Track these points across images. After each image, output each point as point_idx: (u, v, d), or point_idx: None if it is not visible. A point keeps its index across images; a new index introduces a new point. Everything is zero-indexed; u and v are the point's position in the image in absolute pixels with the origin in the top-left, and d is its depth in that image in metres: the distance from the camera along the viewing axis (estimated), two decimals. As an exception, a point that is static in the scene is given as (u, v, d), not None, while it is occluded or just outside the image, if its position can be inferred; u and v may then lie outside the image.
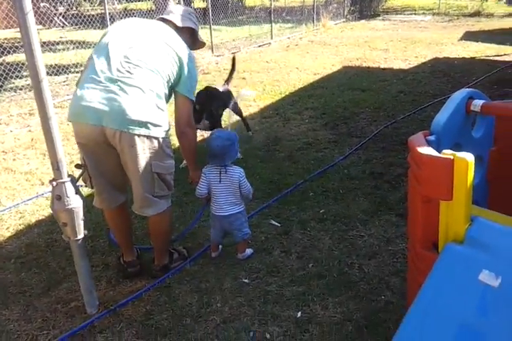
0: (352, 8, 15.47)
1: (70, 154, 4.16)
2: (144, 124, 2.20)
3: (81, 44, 6.89)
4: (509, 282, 1.32)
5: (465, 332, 1.34)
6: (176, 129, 2.51)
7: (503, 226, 1.55)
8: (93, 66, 2.25)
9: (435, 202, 1.54)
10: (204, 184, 2.59)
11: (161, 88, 2.30)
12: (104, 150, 2.28)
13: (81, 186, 2.31)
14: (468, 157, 1.40)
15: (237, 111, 4.64)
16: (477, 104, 1.90)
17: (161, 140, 2.29)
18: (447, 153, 1.44)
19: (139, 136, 2.20)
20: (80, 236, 2.19)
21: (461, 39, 10.46)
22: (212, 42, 9.21)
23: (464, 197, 1.44)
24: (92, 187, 2.44)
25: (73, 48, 8.78)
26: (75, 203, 2.10)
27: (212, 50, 9.19)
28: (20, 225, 3.24)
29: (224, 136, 2.55)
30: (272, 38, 10.94)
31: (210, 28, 9.27)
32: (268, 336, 2.15)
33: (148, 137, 2.24)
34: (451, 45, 9.78)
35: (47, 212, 3.40)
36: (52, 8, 11.94)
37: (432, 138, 1.77)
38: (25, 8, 1.79)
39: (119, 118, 2.16)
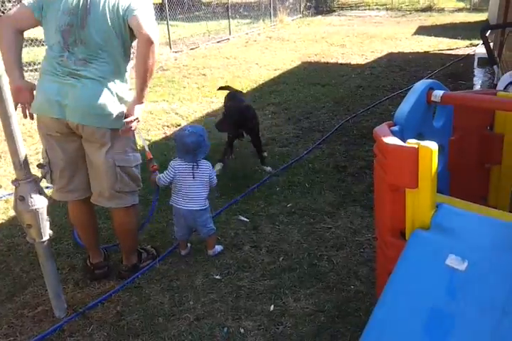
0: (308, 4, 15.61)
1: (29, 155, 4.02)
2: (104, 117, 2.18)
3: (33, 41, 6.66)
4: (475, 265, 1.37)
5: (435, 316, 1.38)
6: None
7: (467, 211, 1.61)
8: (49, 53, 2.20)
9: (401, 190, 1.58)
10: (170, 176, 2.57)
11: (118, 62, 2.22)
12: (70, 140, 2.27)
13: (47, 188, 2.25)
14: (433, 146, 1.45)
15: None
16: (437, 94, 1.95)
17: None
18: (412, 143, 1.49)
19: (99, 128, 2.19)
20: (46, 237, 2.13)
21: (415, 33, 10.75)
22: (169, 38, 9.10)
23: (429, 184, 1.49)
24: (51, 182, 2.38)
25: (25, 46, 8.47)
26: (39, 204, 2.04)
27: (170, 46, 9.07)
28: (-22, 230, 3.12)
29: (197, 131, 2.53)
30: (230, 33, 10.90)
31: (168, 23, 9.15)
32: (242, 331, 2.15)
33: (110, 129, 2.21)
34: (405, 39, 10.03)
35: (6, 215, 3.28)
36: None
37: (395, 128, 1.82)
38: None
39: (79, 113, 2.16)
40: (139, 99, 2.21)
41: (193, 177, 2.54)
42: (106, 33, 2.14)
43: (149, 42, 2.07)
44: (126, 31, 2.17)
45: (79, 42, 2.13)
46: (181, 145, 2.52)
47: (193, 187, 2.57)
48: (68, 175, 2.34)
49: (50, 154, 2.30)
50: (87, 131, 2.21)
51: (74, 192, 2.40)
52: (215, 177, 2.63)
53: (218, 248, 2.74)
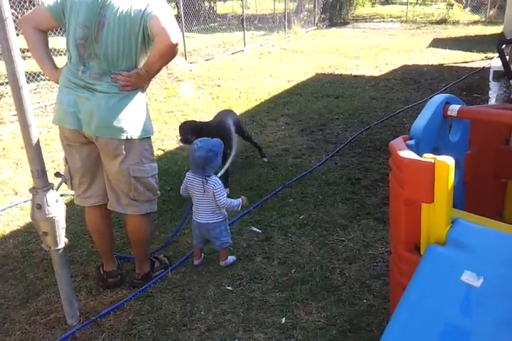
0: (322, 16, 15.70)
1: (46, 163, 4.08)
2: (118, 129, 2.21)
3: (51, 51, 6.80)
4: (490, 282, 1.36)
5: (450, 333, 1.37)
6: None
7: (483, 227, 1.59)
8: (68, 66, 2.24)
9: (417, 204, 1.58)
10: (183, 187, 2.62)
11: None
12: (88, 149, 2.32)
13: (62, 195, 2.28)
14: (449, 160, 1.44)
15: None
16: (454, 108, 1.95)
17: (137, 142, 2.29)
18: (428, 157, 1.48)
19: (112, 139, 2.22)
20: (61, 245, 2.15)
21: (430, 46, 10.75)
22: (185, 49, 9.20)
23: (445, 199, 1.48)
24: (71, 188, 2.46)
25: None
26: (56, 212, 2.06)
27: (186, 57, 9.17)
28: (-6, 236, 3.16)
29: (206, 146, 2.51)
30: (244, 45, 11.00)
31: (183, 34, 9.26)
32: (253, 343, 2.15)
33: (125, 140, 2.24)
34: (420, 52, 10.03)
35: (22, 222, 3.32)
36: (19, 16, 11.72)
37: (411, 142, 1.82)
38: (4, 13, 1.77)
39: (93, 125, 2.20)
40: (149, 77, 2.26)
41: (204, 191, 2.55)
42: (121, 47, 2.14)
43: (170, 44, 2.07)
44: (146, 38, 2.16)
45: (94, 56, 2.16)
46: (190, 158, 2.54)
47: (202, 200, 2.58)
48: (87, 182, 2.40)
49: (70, 161, 2.37)
50: (101, 142, 2.25)
51: (93, 198, 2.45)
52: (222, 196, 2.53)
53: (231, 259, 2.74)
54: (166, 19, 2.10)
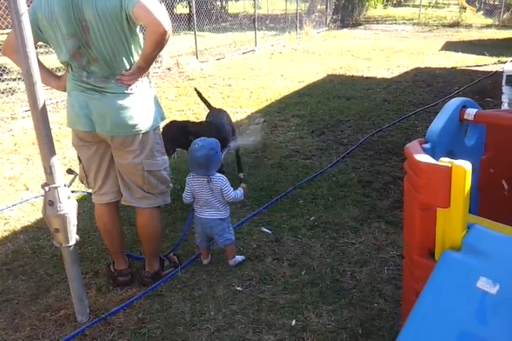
0: (334, 17, 15.65)
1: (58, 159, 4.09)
2: (131, 127, 2.24)
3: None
4: (507, 289, 1.34)
5: (465, 339, 1.35)
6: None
7: (500, 233, 1.57)
8: (70, 74, 2.22)
9: (432, 209, 1.56)
10: (189, 192, 2.61)
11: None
12: (102, 147, 2.35)
13: (74, 192, 2.29)
14: (466, 165, 1.43)
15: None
16: (470, 112, 1.93)
17: (151, 134, 2.33)
18: (445, 161, 1.47)
19: (128, 136, 2.26)
20: (72, 242, 2.15)
21: (442, 49, 10.67)
22: (196, 48, 9.21)
23: (461, 204, 1.47)
24: (88, 186, 2.50)
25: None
26: (68, 209, 2.07)
27: (197, 56, 9.18)
28: (5, 231, 3.17)
29: (207, 145, 2.52)
30: (256, 45, 10.98)
31: (195, 33, 9.27)
32: (262, 344, 2.14)
33: (138, 135, 2.27)
34: (432, 54, 9.96)
35: (33, 218, 3.34)
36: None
37: (427, 145, 1.79)
38: (20, 8, 1.77)
39: (107, 126, 2.22)
40: (145, 69, 2.20)
41: (212, 190, 2.56)
42: (113, 45, 2.11)
43: (163, 31, 2.00)
44: (132, 26, 2.09)
45: (92, 61, 2.14)
46: (192, 159, 2.53)
47: (209, 199, 2.59)
48: (101, 178, 2.42)
49: (84, 160, 2.40)
50: (117, 141, 2.27)
51: (108, 195, 2.47)
52: (230, 192, 2.56)
53: (239, 258, 2.73)
54: (151, 5, 1.99)
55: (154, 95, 2.36)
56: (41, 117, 1.94)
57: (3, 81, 6.90)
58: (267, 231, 3.08)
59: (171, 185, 2.54)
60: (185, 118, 5.56)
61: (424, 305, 1.45)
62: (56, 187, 2.05)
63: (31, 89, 1.90)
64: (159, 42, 2.07)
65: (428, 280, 1.49)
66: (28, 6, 1.97)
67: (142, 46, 2.18)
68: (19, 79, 6.80)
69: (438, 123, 1.90)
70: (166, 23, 2.00)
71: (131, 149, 2.29)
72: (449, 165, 1.45)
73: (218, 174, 2.59)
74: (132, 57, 2.20)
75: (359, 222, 3.17)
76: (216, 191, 2.56)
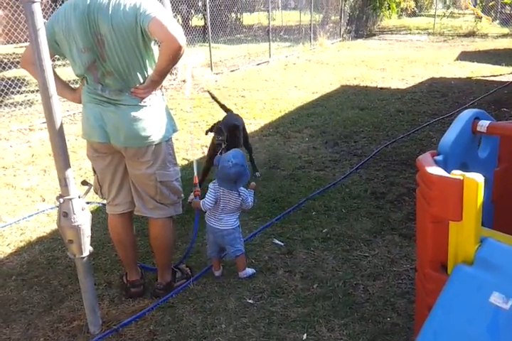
0: (348, 28, 15.69)
1: (73, 171, 4.15)
2: (145, 138, 2.28)
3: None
4: (520, 304, 1.32)
5: (477, 355, 1.33)
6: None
7: (513, 247, 1.55)
8: (86, 86, 2.26)
9: (444, 222, 1.54)
10: (212, 200, 2.60)
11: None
12: (116, 157, 2.38)
13: (88, 203, 2.32)
14: (478, 178, 1.41)
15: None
16: (483, 124, 1.92)
17: (164, 144, 2.36)
18: (457, 174, 1.45)
19: (141, 147, 2.30)
20: (86, 253, 2.17)
21: (457, 59, 10.61)
22: (211, 60, 9.31)
23: (474, 217, 1.45)
24: (102, 197, 2.54)
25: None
26: (82, 220, 2.09)
27: (212, 68, 9.27)
28: (21, 242, 3.22)
29: (239, 162, 2.56)
30: (270, 56, 11.06)
31: (210, 45, 9.37)
32: (274, 358, 2.12)
33: (151, 146, 2.31)
34: (447, 65, 9.91)
35: (48, 228, 3.38)
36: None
37: (439, 158, 1.78)
38: (37, 22, 1.81)
39: (121, 137, 2.26)
40: (158, 82, 2.23)
41: (240, 204, 2.61)
42: (128, 58, 2.14)
43: (178, 46, 2.03)
44: (146, 40, 2.13)
45: (107, 74, 2.18)
46: (223, 175, 2.55)
47: (226, 210, 2.62)
48: (115, 189, 2.46)
49: (98, 170, 2.44)
50: (131, 152, 2.31)
51: (121, 205, 2.50)
52: (250, 202, 2.64)
53: (250, 271, 2.73)
54: (166, 20, 2.03)
55: (166, 107, 2.40)
56: (57, 130, 1.98)
57: (21, 93, 7.05)
58: (279, 243, 3.07)
59: (182, 195, 2.57)
60: (198, 130, 5.61)
61: (435, 320, 1.43)
62: (70, 199, 2.08)
63: (47, 102, 1.94)
64: (174, 57, 2.10)
65: (440, 295, 1.47)
66: (47, 19, 2.02)
67: (156, 60, 2.22)
68: (37, 91, 6.93)
69: (450, 135, 1.88)
70: (181, 39, 2.04)
71: (144, 160, 2.33)
72: (461, 177, 1.43)
73: (243, 188, 2.63)
74: (146, 71, 2.24)
75: (372, 235, 3.15)
76: (234, 203, 2.61)
